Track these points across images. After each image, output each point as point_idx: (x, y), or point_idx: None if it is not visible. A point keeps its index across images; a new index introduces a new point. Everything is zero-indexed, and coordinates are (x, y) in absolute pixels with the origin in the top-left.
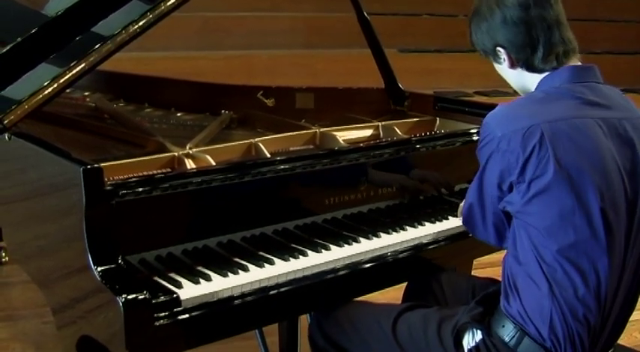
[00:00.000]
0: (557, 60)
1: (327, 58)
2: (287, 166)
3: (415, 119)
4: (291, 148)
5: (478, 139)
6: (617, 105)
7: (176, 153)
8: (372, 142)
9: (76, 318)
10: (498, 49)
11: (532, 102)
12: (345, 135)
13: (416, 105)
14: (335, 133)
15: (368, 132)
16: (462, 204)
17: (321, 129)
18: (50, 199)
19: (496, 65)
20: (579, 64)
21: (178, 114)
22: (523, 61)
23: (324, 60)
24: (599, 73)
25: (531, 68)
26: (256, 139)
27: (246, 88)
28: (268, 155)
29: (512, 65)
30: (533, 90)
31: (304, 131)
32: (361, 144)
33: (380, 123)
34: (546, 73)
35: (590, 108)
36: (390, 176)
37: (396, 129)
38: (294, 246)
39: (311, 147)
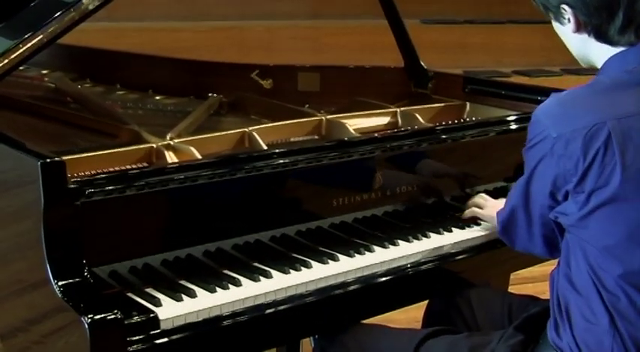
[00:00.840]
0: (637, 33)
1: (336, 30)
2: (287, 160)
3: (441, 104)
4: (292, 139)
5: (526, 137)
6: None
7: (154, 145)
8: (388, 132)
9: (31, 344)
10: (564, 7)
11: (596, 91)
12: (356, 123)
13: (441, 88)
14: (344, 121)
15: (384, 120)
16: (472, 205)
17: (328, 117)
18: (0, 200)
19: (555, 24)
20: None
21: (157, 98)
22: (594, 26)
23: (331, 32)
24: None
25: (602, 37)
26: (250, 128)
27: (239, 67)
28: (265, 147)
29: (578, 29)
30: (597, 64)
31: (308, 118)
32: (376, 135)
33: (398, 109)
34: (619, 50)
35: None
36: (410, 172)
37: (418, 116)
38: (295, 255)
39: (316, 137)
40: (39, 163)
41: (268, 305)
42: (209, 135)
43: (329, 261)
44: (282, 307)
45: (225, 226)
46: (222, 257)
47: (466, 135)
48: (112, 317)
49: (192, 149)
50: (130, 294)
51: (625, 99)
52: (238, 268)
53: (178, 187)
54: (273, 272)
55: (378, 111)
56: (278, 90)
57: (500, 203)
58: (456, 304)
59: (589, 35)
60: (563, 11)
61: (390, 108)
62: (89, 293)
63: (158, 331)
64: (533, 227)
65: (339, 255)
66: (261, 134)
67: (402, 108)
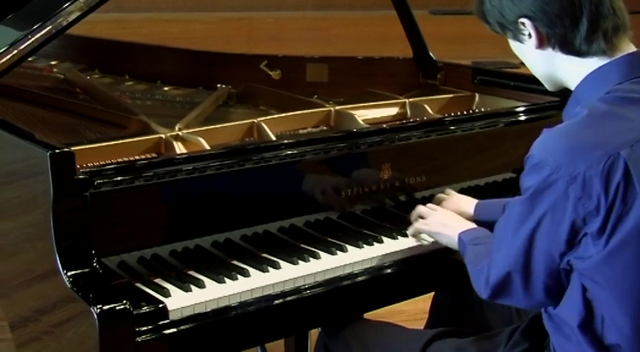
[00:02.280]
0: (606, 39)
1: (344, 21)
2: (296, 151)
3: (449, 95)
4: (301, 130)
5: (535, 127)
6: None
7: (163, 135)
8: (397, 123)
9: (40, 334)
10: (522, 21)
11: (596, 118)
12: (365, 114)
13: (450, 79)
14: (353, 112)
15: (393, 111)
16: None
17: (337, 107)
18: (8, 191)
19: (515, 45)
20: (635, 50)
21: (165, 89)
22: (558, 37)
23: (340, 24)
24: None
25: (568, 49)
26: (259, 119)
27: (247, 58)
28: (274, 138)
29: (541, 44)
30: (568, 82)
31: (316, 109)
32: (384, 125)
33: (407, 100)
34: (591, 64)
35: None
36: (419, 163)
37: (427, 107)
38: (303, 246)
39: (324, 128)
40: (48, 154)
41: (276, 296)
42: (218, 125)
43: (337, 251)
44: (290, 298)
45: (233, 217)
46: (230, 247)
47: (475, 127)
48: (121, 307)
49: (201, 140)
50: (138, 285)
51: (629, 122)
52: (247, 259)
53: (187, 178)
54: (282, 263)
55: (387, 102)
56: (286, 81)
57: (447, 214)
58: (463, 296)
59: (554, 48)
60: (522, 26)
61: (398, 99)
62: (98, 283)
63: (167, 321)
64: (534, 284)
65: (348, 246)
66: (270, 125)
67: (411, 99)
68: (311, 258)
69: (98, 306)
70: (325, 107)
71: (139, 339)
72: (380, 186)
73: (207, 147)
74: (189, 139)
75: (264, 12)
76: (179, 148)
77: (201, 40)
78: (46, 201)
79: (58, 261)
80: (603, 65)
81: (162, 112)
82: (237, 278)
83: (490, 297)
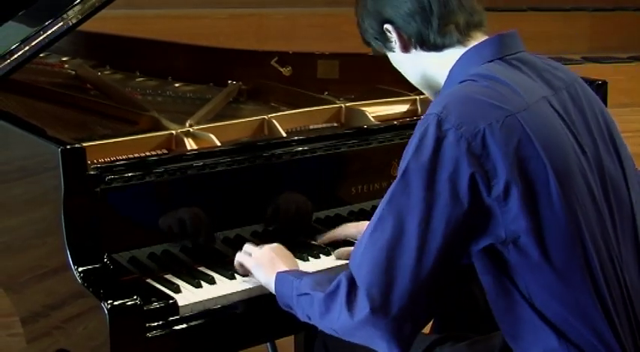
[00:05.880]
0: (459, 30)
1: (354, 18)
2: (306, 148)
3: None
4: (312, 126)
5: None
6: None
7: (174, 132)
8: (408, 119)
9: (51, 329)
10: (386, 26)
11: (489, 86)
12: (376, 110)
13: None
14: (364, 109)
15: (403, 108)
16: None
17: (348, 104)
18: (19, 186)
19: (391, 56)
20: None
21: (176, 85)
22: (415, 35)
23: (350, 20)
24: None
25: (427, 45)
26: (270, 115)
27: (258, 54)
28: (284, 134)
29: (405, 46)
30: (438, 79)
31: (327, 106)
32: (395, 122)
33: (418, 97)
34: (454, 55)
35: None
36: None
37: None
38: (313, 243)
39: (335, 125)
40: (59, 150)
41: None
42: (228, 122)
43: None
44: None
45: (244, 213)
46: (241, 244)
47: None
48: (132, 303)
49: (212, 136)
50: (149, 280)
51: (522, 87)
52: None
53: (197, 174)
54: None
55: (398, 98)
56: (297, 78)
57: (278, 249)
58: (470, 290)
59: (416, 48)
60: (388, 33)
61: (409, 95)
62: (109, 279)
63: (177, 317)
64: (423, 263)
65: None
66: (281, 121)
67: (422, 96)
68: (322, 255)
69: (109, 302)
70: (336, 104)
71: (149, 335)
72: (390, 183)
73: (218, 144)
74: (199, 136)
75: (274, 8)
76: (190, 144)
77: (212, 36)
78: (57, 197)
79: (69, 257)
80: (477, 45)
81: (173, 108)
82: (247, 274)
83: (370, 315)
